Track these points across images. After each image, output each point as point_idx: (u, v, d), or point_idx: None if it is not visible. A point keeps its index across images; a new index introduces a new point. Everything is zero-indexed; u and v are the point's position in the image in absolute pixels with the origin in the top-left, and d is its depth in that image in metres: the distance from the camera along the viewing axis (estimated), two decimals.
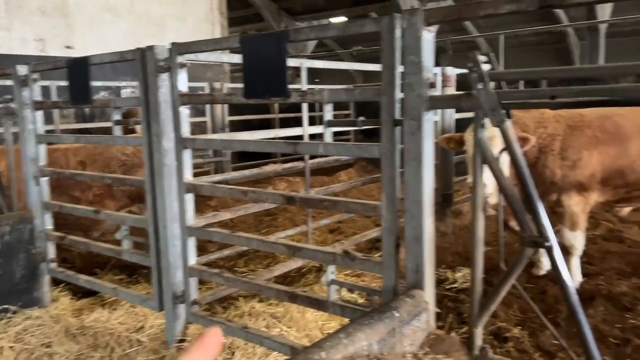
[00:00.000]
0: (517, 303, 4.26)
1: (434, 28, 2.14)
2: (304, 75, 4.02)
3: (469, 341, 2.21)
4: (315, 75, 23.01)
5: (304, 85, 4.11)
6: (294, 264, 4.21)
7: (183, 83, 2.99)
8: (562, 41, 19.64)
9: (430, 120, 2.21)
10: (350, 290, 3.95)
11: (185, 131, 3.01)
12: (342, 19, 18.57)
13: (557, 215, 4.57)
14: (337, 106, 10.61)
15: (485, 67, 2.01)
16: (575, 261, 4.64)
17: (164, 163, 3.05)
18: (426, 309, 2.21)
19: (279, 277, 4.85)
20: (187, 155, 3.03)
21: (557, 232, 4.68)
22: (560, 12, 16.97)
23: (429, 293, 2.28)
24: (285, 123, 8.88)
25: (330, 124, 2.59)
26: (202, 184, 3.00)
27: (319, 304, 2.60)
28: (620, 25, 16.49)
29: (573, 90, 1.81)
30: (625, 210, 5.18)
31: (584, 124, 4.32)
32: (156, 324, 3.69)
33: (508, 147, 2.00)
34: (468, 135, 3.91)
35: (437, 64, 8.92)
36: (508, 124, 2.00)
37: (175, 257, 3.15)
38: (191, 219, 3.07)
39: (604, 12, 13.90)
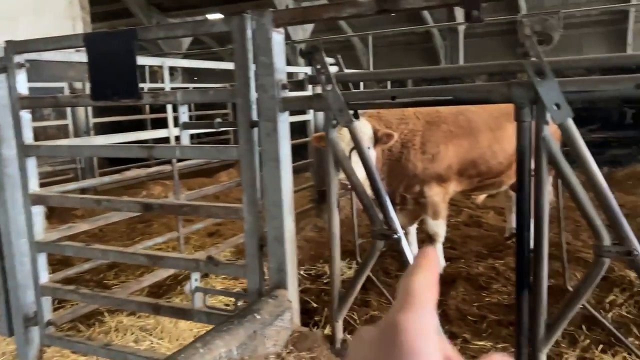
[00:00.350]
0: (389, 291, 4.48)
1: (283, 29, 2.15)
2: (166, 74, 3.87)
3: (332, 335, 2.27)
4: (193, 74, 22.33)
5: (166, 84, 3.94)
6: (166, 272, 4.04)
7: (22, 85, 2.72)
8: (429, 41, 21.07)
9: (286, 121, 2.23)
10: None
11: (28, 137, 2.75)
12: (217, 15, 18.19)
13: (421, 205, 4.87)
14: (218, 106, 10.39)
15: (333, 69, 2.05)
16: (438, 247, 4.98)
17: (5, 173, 2.76)
18: (289, 307, 2.23)
19: (153, 286, 4.64)
20: (32, 164, 2.76)
21: (422, 221, 5.01)
22: (426, 14, 18.17)
23: (292, 292, 2.30)
24: (158, 124, 8.49)
25: (186, 126, 2.51)
26: (50, 194, 2.75)
27: (184, 313, 2.51)
28: (473, 27, 18.06)
29: (409, 91, 1.92)
30: (481, 197, 5.68)
31: (440, 119, 4.65)
32: (8, 350, 3.34)
33: (356, 146, 2.08)
34: (337, 133, 4.06)
35: (310, 63, 9.06)
36: (356, 123, 2.07)
37: (24, 276, 2.86)
38: (40, 233, 2.81)
39: (461, 13, 15.17)
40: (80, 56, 3.62)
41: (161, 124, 8.30)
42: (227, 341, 1.86)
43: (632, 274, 4.40)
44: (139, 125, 9.15)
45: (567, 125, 1.72)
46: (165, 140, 4.10)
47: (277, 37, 2.15)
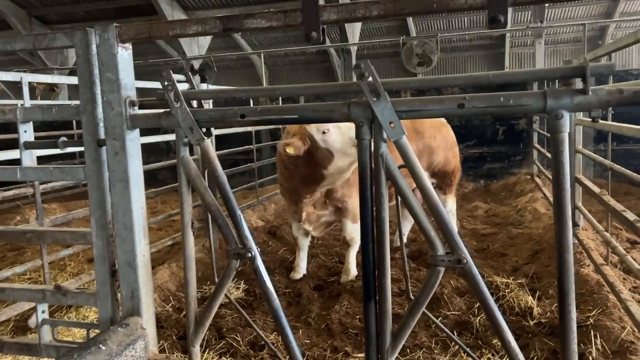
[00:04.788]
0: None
1: (130, 45, 2.08)
2: (25, 90, 3.60)
3: None
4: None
5: (26, 101, 3.67)
6: (27, 305, 3.71)
7: None
8: (328, 61, 21.64)
9: (136, 139, 2.14)
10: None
11: None
12: None
13: (341, 210, 4.94)
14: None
15: (183, 87, 2.02)
16: (353, 255, 5.06)
17: None
18: (143, 335, 2.12)
19: (21, 320, 4.24)
20: None
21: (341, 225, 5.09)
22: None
23: (147, 318, 2.19)
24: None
25: (27, 145, 2.34)
26: None
27: (30, 349, 2.31)
28: (365, 47, 18.87)
29: (258, 109, 1.93)
30: None
31: None
32: None
33: (209, 165, 2.04)
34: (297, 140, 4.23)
35: (204, 79, 8.89)
36: (207, 142, 2.04)
37: None
38: None
39: (354, 36, 15.78)
40: None
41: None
42: None
43: (499, 279, 4.75)
44: (15, 144, 8.44)
45: (402, 142, 1.81)
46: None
47: (124, 53, 2.07)
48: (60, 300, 2.24)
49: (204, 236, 6.22)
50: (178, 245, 6.29)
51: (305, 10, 1.81)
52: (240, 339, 4.02)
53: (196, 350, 2.17)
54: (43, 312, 2.30)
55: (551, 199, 6.84)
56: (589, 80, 1.60)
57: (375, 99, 1.80)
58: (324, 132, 4.28)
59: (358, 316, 4.31)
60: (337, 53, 19.35)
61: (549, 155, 6.96)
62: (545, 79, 1.89)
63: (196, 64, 13.11)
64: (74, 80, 5.55)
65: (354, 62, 14.69)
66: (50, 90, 11.26)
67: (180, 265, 5.43)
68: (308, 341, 4.05)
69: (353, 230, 5.04)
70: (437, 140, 5.32)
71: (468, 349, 2.05)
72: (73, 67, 15.13)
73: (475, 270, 1.80)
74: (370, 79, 1.79)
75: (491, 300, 1.80)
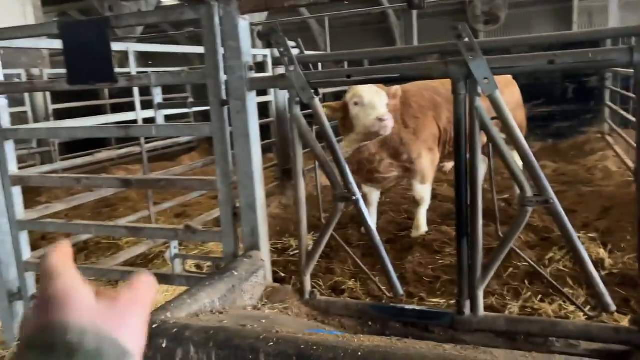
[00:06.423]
0: (351, 259, 4.79)
1: (248, 16, 2.38)
2: (132, 59, 4.01)
3: (301, 288, 2.56)
4: (148, 58, 21.95)
5: (132, 69, 4.09)
6: (138, 249, 4.23)
7: None
8: (385, 21, 21.42)
9: (254, 99, 2.47)
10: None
11: (5, 122, 2.88)
12: (170, 1, 17.85)
13: (410, 171, 5.19)
14: (174, 89, 10.39)
15: (295, 52, 2.31)
16: (423, 212, 5.32)
17: None
18: (263, 266, 2.50)
19: (126, 264, 4.81)
20: (10, 147, 2.90)
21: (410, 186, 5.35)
22: None
23: (264, 252, 2.57)
24: (117, 109, 8.47)
25: (160, 106, 2.71)
26: (30, 175, 2.91)
27: (166, 279, 2.75)
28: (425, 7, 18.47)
29: (362, 70, 2.20)
30: (448, 166, 6.02)
31: (409, 97, 4.99)
32: None
33: (318, 121, 2.34)
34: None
35: (268, 45, 9.10)
36: (317, 100, 2.33)
37: (6, 253, 3.02)
38: (21, 212, 2.96)
39: None
40: (48, 43, 3.73)
41: (119, 109, 8.35)
42: (210, 294, 2.11)
43: None
44: (98, 111, 9.13)
45: (495, 96, 2.04)
46: (132, 122, 4.24)
47: (243, 24, 2.38)
48: (190, 238, 2.65)
49: (279, 194, 6.64)
50: None
51: None
52: (322, 284, 4.40)
53: (307, 278, 2.53)
54: (175, 247, 2.72)
55: (624, 158, 6.77)
56: None
57: (471, 57, 2.02)
58: (355, 104, 4.38)
59: (431, 266, 4.59)
60: (396, 14, 19.12)
61: (623, 112, 6.84)
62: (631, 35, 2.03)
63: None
64: (184, 49, 5.95)
65: (414, 22, 14.55)
66: (125, 58, 11.91)
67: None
68: (384, 288, 4.38)
69: (422, 190, 5.23)
70: (505, 97, 5.40)
71: (566, 294, 2.28)
72: (141, 36, 15.79)
73: (561, 209, 2.03)
74: (467, 39, 2.01)
75: (574, 234, 2.03)
